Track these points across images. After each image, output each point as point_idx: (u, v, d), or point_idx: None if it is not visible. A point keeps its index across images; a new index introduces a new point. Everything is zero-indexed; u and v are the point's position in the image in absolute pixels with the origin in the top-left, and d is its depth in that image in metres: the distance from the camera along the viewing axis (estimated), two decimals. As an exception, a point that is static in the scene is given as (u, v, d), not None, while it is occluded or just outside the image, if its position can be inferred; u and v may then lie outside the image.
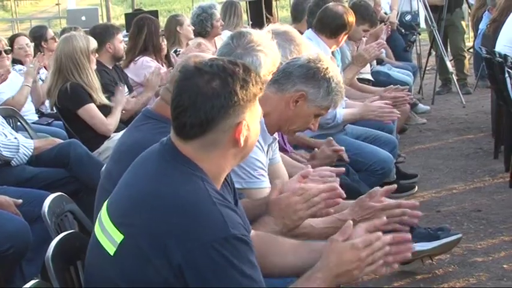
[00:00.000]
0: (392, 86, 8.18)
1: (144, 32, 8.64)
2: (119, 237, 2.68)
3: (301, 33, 7.20)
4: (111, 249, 2.70)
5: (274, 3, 16.79)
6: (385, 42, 10.58)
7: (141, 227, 2.66)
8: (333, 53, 7.59)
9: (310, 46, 6.06)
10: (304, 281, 2.87)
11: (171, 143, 2.86)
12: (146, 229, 2.65)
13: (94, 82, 7.19)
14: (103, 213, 2.86)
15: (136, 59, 8.29)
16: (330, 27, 7.41)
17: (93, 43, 7.35)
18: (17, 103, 7.85)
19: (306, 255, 3.35)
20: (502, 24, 8.82)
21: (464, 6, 12.83)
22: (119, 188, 2.93)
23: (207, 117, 2.73)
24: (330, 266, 2.93)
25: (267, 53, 4.29)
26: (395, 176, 7.34)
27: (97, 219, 2.92)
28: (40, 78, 8.81)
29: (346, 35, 7.54)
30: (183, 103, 2.74)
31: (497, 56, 8.10)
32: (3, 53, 8.38)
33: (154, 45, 8.62)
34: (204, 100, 2.72)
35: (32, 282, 2.50)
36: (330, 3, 7.79)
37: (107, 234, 2.77)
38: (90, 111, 7.04)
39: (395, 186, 4.42)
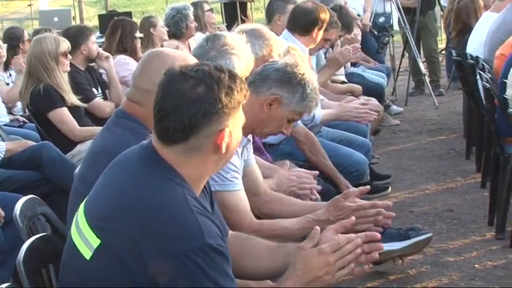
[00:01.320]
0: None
1: (119, 33, 8.69)
2: (95, 241, 2.67)
3: (277, 34, 7.16)
4: (87, 254, 2.68)
5: (249, 4, 16.80)
6: (360, 46, 10.65)
7: (118, 233, 2.65)
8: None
9: (281, 41, 6.09)
10: None
11: (151, 147, 2.84)
12: (124, 235, 2.63)
13: (63, 84, 7.16)
14: (80, 216, 2.83)
15: (113, 57, 8.24)
16: (300, 24, 7.44)
17: (64, 45, 7.32)
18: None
19: (281, 259, 3.30)
20: (470, 27, 8.85)
21: (437, 8, 12.92)
22: (96, 191, 2.91)
23: (190, 122, 2.72)
24: (298, 274, 2.94)
25: (241, 56, 4.30)
26: (369, 177, 7.35)
27: (73, 222, 2.89)
28: (12, 82, 8.80)
29: (321, 31, 7.48)
30: (166, 107, 2.73)
31: (469, 58, 8.15)
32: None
33: (129, 46, 8.64)
34: (188, 105, 2.72)
35: (3, 285, 2.49)
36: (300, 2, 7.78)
37: (84, 238, 2.74)
38: (62, 116, 7.04)
39: (368, 187, 4.49)
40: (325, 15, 7.52)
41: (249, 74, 4.56)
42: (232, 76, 2.85)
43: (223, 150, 2.80)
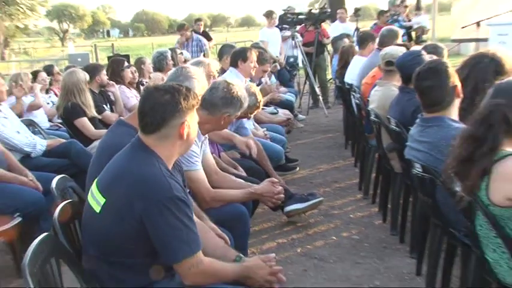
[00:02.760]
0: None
1: (110, 68, 8.70)
2: (102, 200, 2.83)
3: (225, 68, 7.73)
4: (97, 208, 2.84)
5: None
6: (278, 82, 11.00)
7: (117, 193, 2.80)
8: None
9: (214, 63, 6.35)
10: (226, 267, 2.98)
11: (138, 138, 2.96)
12: (120, 194, 2.78)
13: (88, 101, 7.19)
14: (93, 186, 2.94)
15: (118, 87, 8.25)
16: (233, 60, 7.34)
17: (87, 76, 7.35)
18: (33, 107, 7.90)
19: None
20: (348, 64, 8.97)
21: (326, 53, 12.89)
22: (105, 170, 2.99)
23: (161, 118, 2.87)
24: (242, 269, 3.03)
25: (199, 80, 4.36)
26: (284, 161, 7.43)
27: (89, 191, 2.96)
28: (51, 101, 8.75)
29: (246, 63, 7.20)
30: (144, 109, 2.92)
31: (346, 85, 8.33)
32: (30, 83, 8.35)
33: (119, 77, 8.56)
34: (159, 107, 2.87)
35: (45, 234, 2.58)
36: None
37: (95, 199, 2.87)
38: (83, 123, 7.01)
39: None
40: (250, 54, 7.35)
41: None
42: (189, 89, 3.03)
43: (185, 137, 2.95)
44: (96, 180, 2.97)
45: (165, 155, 2.92)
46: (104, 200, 2.81)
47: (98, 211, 2.81)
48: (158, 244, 2.71)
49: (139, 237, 2.71)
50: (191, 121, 2.97)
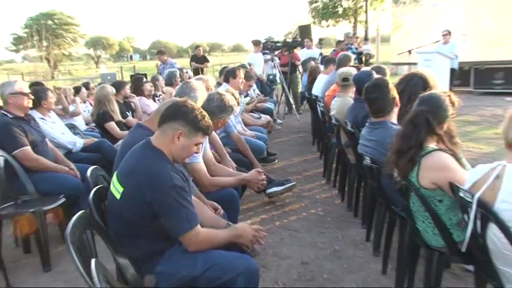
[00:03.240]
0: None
1: (133, 83, 8.67)
2: (121, 188, 2.78)
3: (221, 83, 7.59)
4: (117, 195, 2.79)
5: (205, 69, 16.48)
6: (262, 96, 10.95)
7: (132, 183, 2.75)
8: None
9: (212, 79, 6.39)
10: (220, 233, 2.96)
11: (149, 140, 2.90)
12: (134, 183, 2.73)
13: (115, 109, 7.18)
14: (114, 178, 2.87)
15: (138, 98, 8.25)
16: (226, 77, 7.31)
17: (114, 90, 7.34)
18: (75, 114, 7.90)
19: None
20: (314, 79, 8.94)
21: (297, 72, 12.85)
22: (123, 163, 2.92)
23: (168, 117, 2.90)
24: (232, 230, 3.05)
25: (200, 91, 4.36)
26: (266, 154, 7.40)
27: (111, 182, 2.91)
28: (87, 109, 8.72)
29: (236, 79, 7.20)
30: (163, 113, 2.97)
31: (313, 96, 8.29)
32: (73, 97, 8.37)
33: (139, 90, 8.54)
34: (176, 110, 2.91)
35: (82, 211, 2.56)
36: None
37: (116, 188, 2.82)
38: (111, 126, 6.99)
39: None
40: (239, 72, 7.37)
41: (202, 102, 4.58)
42: (207, 126, 2.95)
43: (176, 142, 2.84)
44: (116, 172, 2.92)
45: (166, 151, 2.85)
46: (122, 189, 2.76)
47: (118, 198, 2.77)
48: (165, 222, 2.70)
49: (151, 217, 2.70)
50: (187, 138, 2.88)
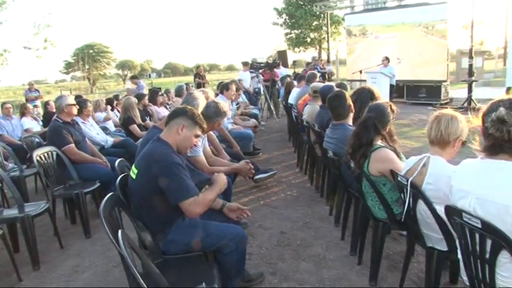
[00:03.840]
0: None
1: (151, 95, 8.68)
2: (136, 170, 2.75)
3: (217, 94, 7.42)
4: (134, 176, 2.76)
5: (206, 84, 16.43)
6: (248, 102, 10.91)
7: (143, 164, 2.72)
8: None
9: (211, 92, 5.99)
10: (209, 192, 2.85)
11: (158, 135, 2.88)
12: (145, 165, 2.70)
13: (137, 114, 7.15)
14: (134, 164, 2.84)
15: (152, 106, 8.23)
16: (221, 90, 7.32)
17: (136, 100, 7.33)
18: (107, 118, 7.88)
19: None
20: (289, 92, 8.86)
21: (277, 86, 12.76)
22: (140, 154, 2.91)
23: (175, 115, 2.91)
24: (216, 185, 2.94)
25: (202, 100, 4.30)
26: (252, 149, 7.40)
27: (131, 170, 2.86)
28: (116, 115, 8.66)
29: (228, 91, 7.21)
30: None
31: (289, 104, 8.23)
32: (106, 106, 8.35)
33: (155, 101, 8.55)
34: (181, 112, 2.91)
35: (111, 193, 2.54)
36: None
37: (133, 171, 2.78)
38: (134, 127, 6.97)
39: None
40: (231, 85, 7.40)
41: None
42: (202, 124, 2.93)
43: (180, 134, 2.82)
44: (135, 162, 2.88)
45: (171, 141, 2.81)
46: (137, 170, 2.74)
47: (134, 178, 2.74)
48: (167, 191, 2.63)
49: (158, 191, 2.65)
50: (188, 130, 2.86)
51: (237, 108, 8.90)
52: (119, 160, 3.57)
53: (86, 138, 5.45)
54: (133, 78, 14.25)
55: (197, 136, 2.95)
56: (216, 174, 3.04)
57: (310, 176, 6.06)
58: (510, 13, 26.99)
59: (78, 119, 5.70)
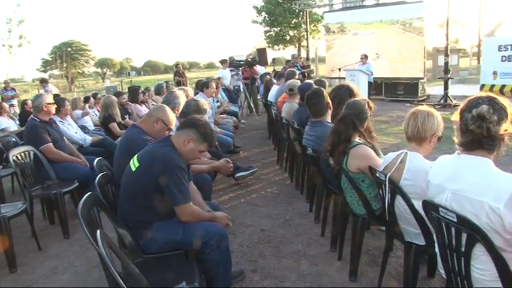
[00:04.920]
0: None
1: (131, 93, 8.63)
2: (138, 163, 2.79)
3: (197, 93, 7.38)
4: (134, 168, 2.79)
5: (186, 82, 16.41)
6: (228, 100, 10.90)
7: (147, 160, 2.76)
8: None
9: (191, 90, 6.13)
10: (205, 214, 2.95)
11: (169, 137, 2.94)
12: (149, 161, 2.75)
13: (118, 112, 7.08)
14: (135, 157, 2.87)
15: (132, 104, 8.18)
16: (201, 87, 7.28)
17: (115, 99, 7.25)
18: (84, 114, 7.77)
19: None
20: (269, 89, 8.92)
21: (256, 83, 12.75)
22: (144, 149, 2.94)
23: (186, 126, 2.94)
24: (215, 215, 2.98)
25: (182, 99, 4.32)
26: (233, 147, 7.36)
27: (131, 161, 2.88)
28: (95, 114, 8.54)
29: (208, 89, 7.21)
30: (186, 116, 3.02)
31: (268, 102, 8.27)
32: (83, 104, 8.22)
33: (136, 99, 8.47)
34: (194, 122, 2.97)
35: (90, 193, 2.51)
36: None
37: (134, 163, 2.81)
38: (113, 126, 6.88)
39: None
40: (212, 84, 7.38)
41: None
42: (208, 141, 2.96)
43: (185, 144, 2.86)
44: (137, 154, 2.90)
45: (180, 150, 2.84)
46: (138, 164, 2.78)
47: (133, 170, 2.78)
48: (167, 192, 2.68)
49: (154, 189, 2.68)
50: (194, 144, 2.89)
51: (218, 107, 8.86)
52: (97, 159, 3.53)
53: (64, 137, 5.38)
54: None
55: (201, 151, 3.01)
56: (219, 213, 3.08)
57: (290, 173, 6.08)
58: (483, 12, 27.57)
59: (56, 118, 5.63)
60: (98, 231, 2.00)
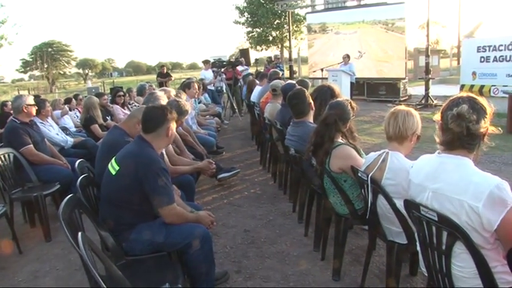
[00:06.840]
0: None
1: (113, 94, 8.53)
2: (117, 167, 2.76)
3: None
4: (114, 172, 2.76)
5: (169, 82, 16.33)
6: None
7: (126, 164, 2.73)
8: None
9: (172, 91, 6.11)
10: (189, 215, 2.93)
11: (142, 136, 2.89)
12: (129, 165, 2.71)
13: (99, 113, 7.00)
14: (113, 160, 2.87)
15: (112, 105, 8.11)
16: (183, 88, 7.20)
17: (97, 100, 7.18)
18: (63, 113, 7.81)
19: None
20: (252, 90, 8.88)
21: (239, 84, 12.74)
22: (121, 151, 2.90)
23: (157, 124, 2.88)
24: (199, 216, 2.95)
25: (163, 99, 4.30)
26: (215, 147, 7.36)
27: (109, 164, 2.86)
28: (76, 115, 8.45)
29: (190, 89, 7.12)
30: (147, 118, 2.91)
31: (251, 102, 8.26)
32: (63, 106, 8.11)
33: (116, 100, 8.39)
34: (156, 117, 2.88)
35: (71, 195, 2.48)
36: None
37: (113, 167, 2.79)
38: (95, 127, 6.81)
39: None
40: (193, 84, 7.30)
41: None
42: (171, 108, 3.03)
43: (169, 136, 2.92)
44: (114, 157, 2.87)
45: (156, 147, 2.87)
46: (118, 167, 2.75)
47: (114, 174, 2.75)
48: (151, 195, 2.67)
49: (136, 191, 2.68)
50: (172, 126, 2.94)
51: (204, 111, 8.83)
52: (79, 161, 3.50)
53: (45, 139, 5.30)
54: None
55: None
56: (203, 213, 3.06)
57: (273, 173, 6.09)
58: (462, 14, 27.99)
59: (37, 120, 5.55)
60: (80, 233, 1.98)
